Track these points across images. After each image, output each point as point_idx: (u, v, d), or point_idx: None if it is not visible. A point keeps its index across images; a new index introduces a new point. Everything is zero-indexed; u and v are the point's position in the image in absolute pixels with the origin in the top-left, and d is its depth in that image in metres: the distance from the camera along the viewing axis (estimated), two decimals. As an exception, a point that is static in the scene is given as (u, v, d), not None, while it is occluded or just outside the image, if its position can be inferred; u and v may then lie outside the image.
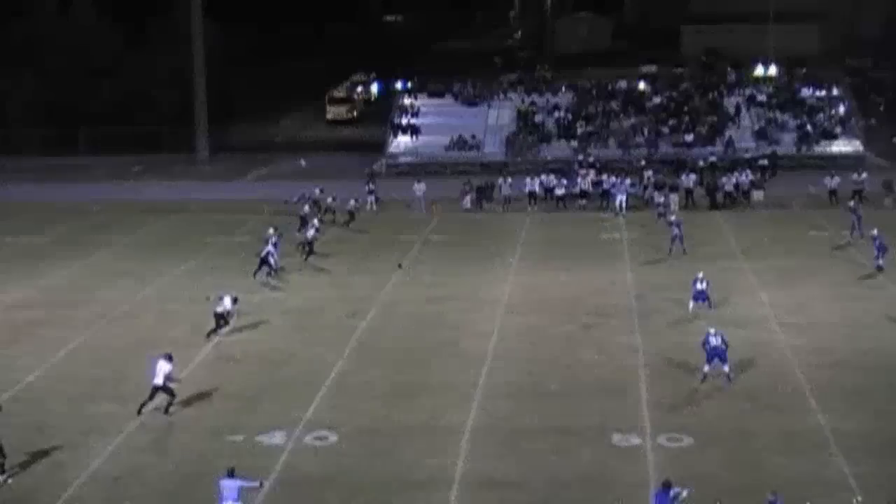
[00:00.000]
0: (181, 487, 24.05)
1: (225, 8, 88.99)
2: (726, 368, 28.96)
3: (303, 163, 68.41)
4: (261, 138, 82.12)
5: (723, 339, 29.04)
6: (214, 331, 34.08)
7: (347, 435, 26.43)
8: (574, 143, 67.17)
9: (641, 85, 75.02)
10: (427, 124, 70.93)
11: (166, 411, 27.84)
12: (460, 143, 68.34)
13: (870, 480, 23.16)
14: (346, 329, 34.86)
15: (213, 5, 79.08)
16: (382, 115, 77.85)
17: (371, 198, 55.03)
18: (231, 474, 21.89)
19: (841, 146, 65.65)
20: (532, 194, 54.50)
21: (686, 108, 70.75)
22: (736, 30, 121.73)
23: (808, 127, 67.36)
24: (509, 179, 55.78)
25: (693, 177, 55.31)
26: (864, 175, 53.64)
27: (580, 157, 63.26)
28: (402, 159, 68.04)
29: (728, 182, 54.36)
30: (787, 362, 30.47)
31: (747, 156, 62.93)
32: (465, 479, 24.05)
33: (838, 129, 67.15)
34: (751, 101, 71.02)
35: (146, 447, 26.11)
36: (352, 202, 51.32)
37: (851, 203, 45.48)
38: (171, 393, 27.84)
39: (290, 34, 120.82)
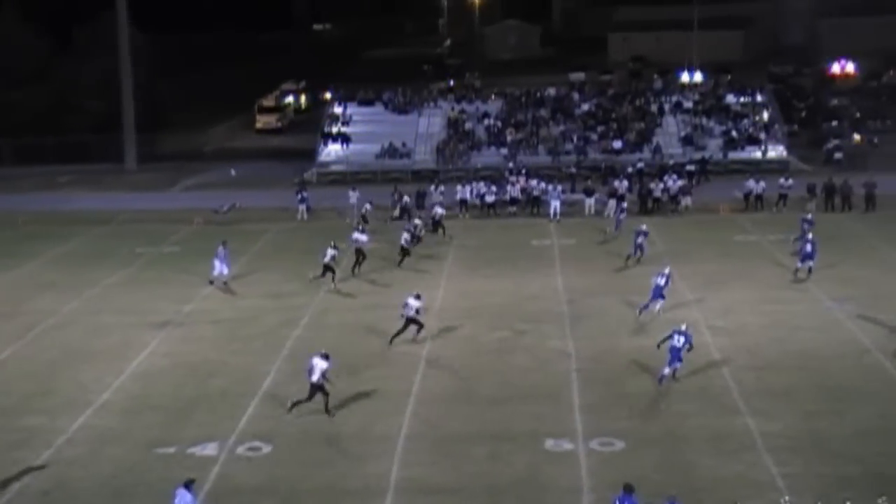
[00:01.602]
0: (112, 501, 23.80)
1: (152, 17, 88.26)
2: (672, 367, 29.35)
3: (233, 172, 68.02)
4: (190, 147, 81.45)
5: (687, 340, 29.36)
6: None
7: (281, 445, 26.34)
8: (504, 151, 67.54)
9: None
10: (357, 132, 70.88)
11: (327, 411, 27.75)
12: (391, 151, 68.39)
13: (797, 480, 23.58)
14: (279, 338, 34.71)
15: (140, 14, 78.32)
16: (313, 123, 77.71)
17: (302, 206, 54.85)
18: (188, 486, 21.71)
19: (765, 152, 66.66)
20: (463, 202, 54.70)
21: (614, 115, 71.50)
22: (662, 37, 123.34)
23: (734, 133, 68.41)
24: (441, 187, 55.95)
25: (625, 183, 55.89)
26: (790, 180, 54.59)
27: (510, 165, 63.63)
28: (333, 168, 67.92)
29: (657, 188, 55.01)
30: (716, 365, 30.90)
31: (672, 162, 63.73)
32: (400, 486, 24.08)
33: (762, 135, 68.26)
34: (677, 107, 71.95)
35: (76, 461, 25.78)
36: (367, 206, 51.18)
37: (810, 216, 45.79)
38: (326, 392, 27.71)
39: (219, 43, 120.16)
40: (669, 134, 69.09)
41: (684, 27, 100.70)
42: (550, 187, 55.17)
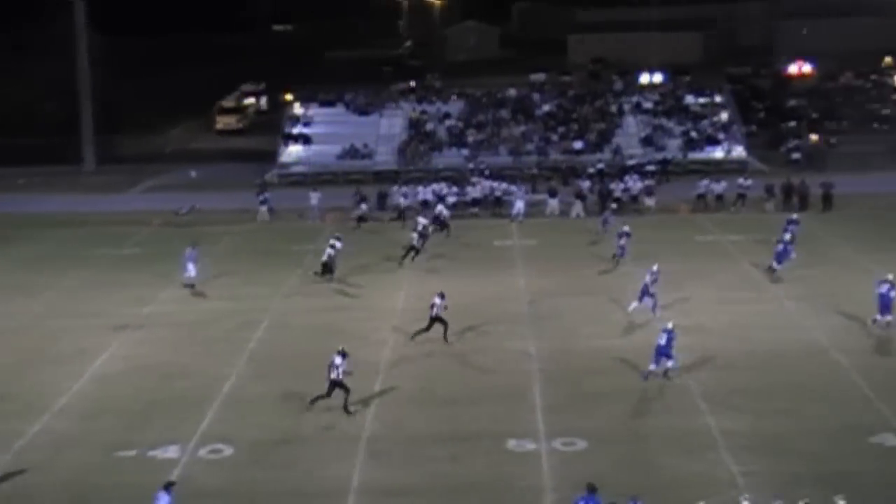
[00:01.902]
0: (72, 506, 23.62)
1: (111, 18, 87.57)
2: (660, 365, 29.62)
3: (193, 174, 67.64)
4: (150, 149, 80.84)
5: (668, 338, 29.56)
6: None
7: (242, 447, 26.23)
8: (465, 151, 67.60)
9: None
10: (318, 133, 70.71)
11: (346, 410, 27.83)
12: (352, 152, 68.28)
13: (757, 479, 23.77)
14: (239, 341, 34.56)
15: (97, 15, 77.67)
16: (273, 124, 77.40)
17: (263, 207, 54.63)
18: (168, 489, 21.66)
19: (724, 152, 67.18)
20: (425, 202, 54.68)
21: (575, 116, 71.77)
22: (622, 39, 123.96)
23: (693, 133, 68.84)
24: (403, 188, 55.95)
25: (587, 183, 56.14)
26: (749, 180, 55.03)
27: (471, 165, 63.73)
28: (294, 169, 67.70)
29: (617, 188, 55.26)
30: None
31: (632, 162, 64.08)
32: (362, 488, 24.05)
33: (721, 135, 68.76)
34: (637, 108, 72.31)
35: (35, 466, 25.52)
36: (363, 206, 51.53)
37: (794, 216, 45.97)
38: (346, 389, 27.81)
39: (179, 45, 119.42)
40: (629, 135, 69.43)
41: (643, 29, 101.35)
42: (514, 188, 55.30)
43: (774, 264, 40.31)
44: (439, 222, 49.17)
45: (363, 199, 53.16)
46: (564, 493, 22.99)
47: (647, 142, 68.17)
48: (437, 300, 33.47)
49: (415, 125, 71.03)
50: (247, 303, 39.17)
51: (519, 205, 53.13)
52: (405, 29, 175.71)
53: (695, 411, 27.76)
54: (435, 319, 33.38)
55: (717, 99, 73.27)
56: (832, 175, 56.23)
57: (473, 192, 55.61)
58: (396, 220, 51.63)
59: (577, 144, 67.82)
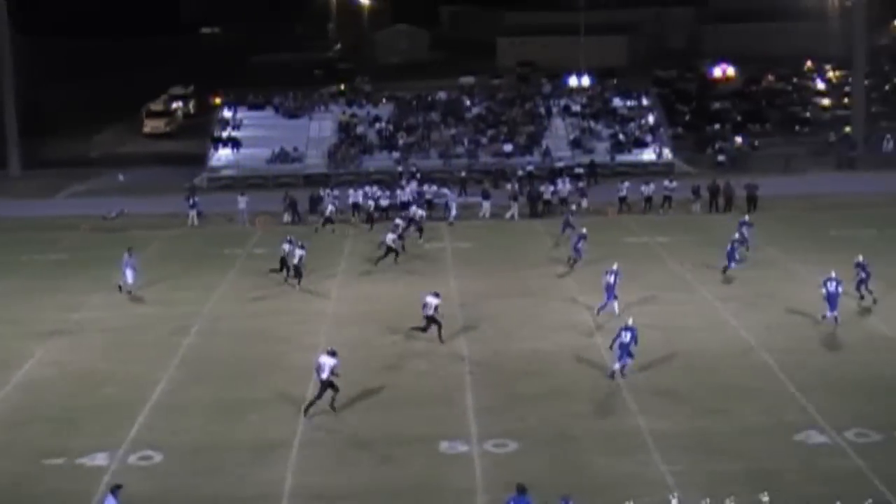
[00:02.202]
0: (0, 515, 23.31)
1: (34, 19, 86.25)
2: (622, 363, 30.07)
3: (121, 177, 66.93)
4: (77, 153, 79.76)
5: (632, 336, 29.96)
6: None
7: (173, 454, 26.04)
8: (396, 154, 67.67)
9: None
10: (248, 137, 70.31)
11: (333, 408, 27.91)
12: (282, 156, 68.02)
13: (685, 478, 24.12)
14: (170, 346, 34.29)
15: (21, 17, 76.46)
16: (202, 128, 76.82)
17: (192, 212, 54.21)
18: (114, 492, 21.45)
19: (651, 154, 68.02)
20: (356, 206, 54.65)
21: (504, 119, 72.19)
22: (550, 42, 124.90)
23: (621, 136, 69.59)
24: (335, 192, 55.86)
25: (516, 186, 56.48)
26: (675, 182, 55.79)
27: (400, 169, 63.83)
28: (224, 172, 67.24)
29: (547, 191, 55.69)
30: (606, 366, 31.39)
31: (561, 164, 64.61)
32: (295, 493, 24.01)
33: (648, 138, 69.60)
34: (566, 110, 72.92)
35: (-39, 475, 25.15)
36: (330, 208, 51.56)
37: (746, 217, 46.48)
38: (336, 388, 27.81)
39: (106, 47, 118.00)
40: (558, 137, 70.00)
41: (571, 32, 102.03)
42: (446, 190, 55.49)
43: (728, 264, 40.91)
44: (415, 224, 49.33)
45: (293, 203, 52.90)
46: (496, 494, 23.15)
47: (575, 144, 68.78)
48: (431, 299, 33.50)
49: (345, 128, 70.96)
50: (178, 307, 38.87)
51: (452, 207, 53.37)
52: (334, 32, 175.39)
53: (626, 412, 28.09)
54: (429, 319, 33.48)
55: (644, 102, 74.18)
56: (756, 177, 57.19)
57: (403, 195, 55.67)
58: (326, 224, 51.46)
59: (507, 147, 68.23)
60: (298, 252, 41.00)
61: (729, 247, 41.05)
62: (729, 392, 29.30)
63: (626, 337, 30.06)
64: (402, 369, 31.87)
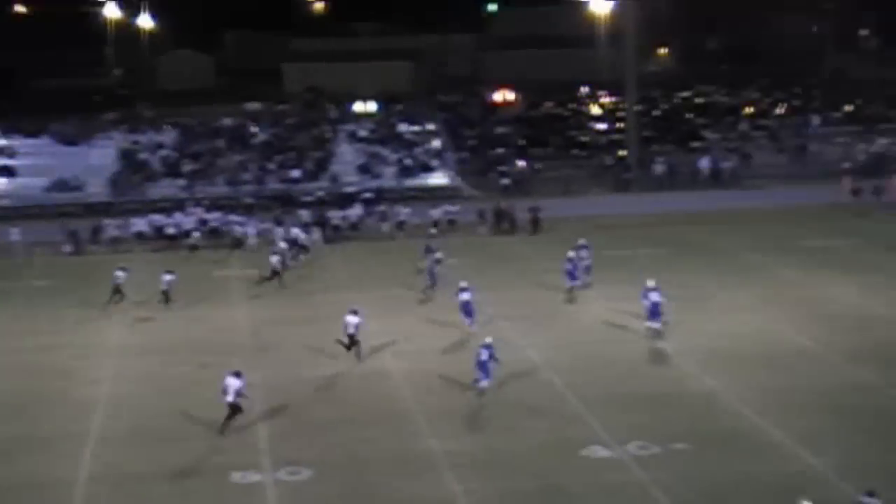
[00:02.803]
0: None
1: None
2: (487, 380, 30.52)
3: None
4: None
5: (490, 355, 30.49)
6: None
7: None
8: (181, 182, 66.48)
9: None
10: (23, 165, 67.87)
11: (222, 431, 27.73)
12: (61, 185, 65.84)
13: (478, 497, 24.50)
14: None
15: None
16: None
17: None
18: None
19: (437, 178, 69.07)
20: (140, 234, 53.38)
21: (292, 145, 71.98)
22: (335, 68, 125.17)
23: (408, 161, 70.40)
24: (116, 221, 54.43)
25: (306, 212, 56.42)
26: (457, 206, 57.06)
27: (185, 195, 62.78)
28: (-2, 203, 64.66)
29: (336, 216, 55.84)
30: (399, 388, 31.63)
31: (350, 190, 64.88)
32: (81, 532, 23.24)
33: (435, 163, 70.65)
34: (353, 136, 73.29)
35: None
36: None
37: (583, 240, 46.58)
38: (239, 409, 27.43)
39: None
40: (346, 163, 70.30)
41: (357, 59, 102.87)
42: (243, 218, 55.13)
43: (569, 282, 41.53)
44: (298, 246, 49.27)
45: (74, 234, 51.16)
46: (291, 522, 22.99)
47: (363, 170, 69.17)
48: (351, 318, 33.47)
49: (127, 156, 69.26)
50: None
51: (249, 235, 52.89)
52: (112, 57, 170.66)
53: (418, 434, 28.33)
54: (351, 338, 33.47)
55: (430, 127, 75.32)
56: (538, 199, 58.76)
57: (186, 222, 54.69)
58: (113, 254, 50.05)
59: (295, 173, 68.04)
60: (167, 277, 40.95)
61: (569, 265, 41.75)
62: (517, 410, 29.88)
63: (484, 355, 30.58)
64: (192, 400, 31.19)
